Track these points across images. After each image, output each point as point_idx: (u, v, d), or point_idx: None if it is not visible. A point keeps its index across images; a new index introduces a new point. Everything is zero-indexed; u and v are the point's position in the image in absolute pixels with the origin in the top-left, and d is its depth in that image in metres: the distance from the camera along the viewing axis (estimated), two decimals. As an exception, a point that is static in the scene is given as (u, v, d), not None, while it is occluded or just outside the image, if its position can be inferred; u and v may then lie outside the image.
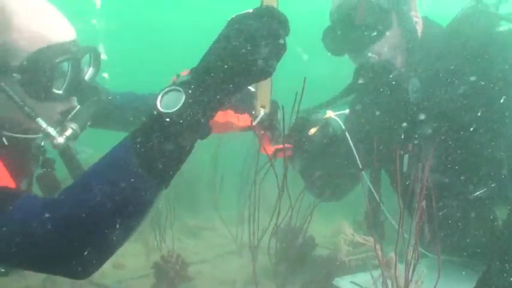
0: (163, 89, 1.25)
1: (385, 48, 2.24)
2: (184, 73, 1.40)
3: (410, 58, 2.27)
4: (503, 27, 2.31)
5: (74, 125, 1.73)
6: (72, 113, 1.76)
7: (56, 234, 1.21)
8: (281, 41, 1.29)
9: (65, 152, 1.76)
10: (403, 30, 2.25)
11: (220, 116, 1.59)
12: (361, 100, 2.47)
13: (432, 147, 2.01)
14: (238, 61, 1.23)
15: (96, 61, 1.90)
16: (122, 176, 1.22)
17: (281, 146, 1.83)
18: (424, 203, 1.70)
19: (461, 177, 2.23)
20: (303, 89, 1.62)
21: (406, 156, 2.28)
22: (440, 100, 2.21)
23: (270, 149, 1.70)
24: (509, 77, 2.12)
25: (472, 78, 2.15)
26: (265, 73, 1.28)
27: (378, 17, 2.21)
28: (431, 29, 2.35)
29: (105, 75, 2.18)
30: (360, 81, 2.23)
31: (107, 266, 3.26)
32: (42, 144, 1.89)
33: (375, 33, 2.21)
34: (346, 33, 2.25)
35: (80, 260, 1.24)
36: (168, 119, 1.20)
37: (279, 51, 1.30)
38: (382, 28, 2.22)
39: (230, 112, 1.55)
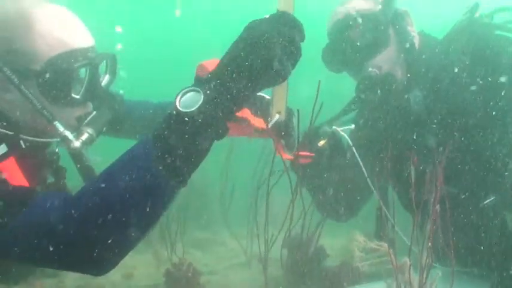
0: (182, 90, 1.28)
1: (385, 61, 2.26)
2: (208, 62, 1.43)
3: (410, 70, 2.29)
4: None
5: (90, 130, 1.75)
6: (88, 118, 1.79)
7: (75, 228, 1.24)
8: (296, 46, 1.32)
9: (80, 156, 1.78)
10: (401, 43, 2.28)
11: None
12: (364, 114, 2.49)
13: (443, 154, 2.02)
14: (255, 62, 1.26)
15: (113, 68, 1.93)
16: (142, 173, 1.24)
17: (301, 153, 1.84)
18: (438, 206, 1.71)
19: (469, 187, 2.23)
20: (317, 93, 1.64)
21: (412, 168, 2.29)
22: (444, 109, 2.23)
23: (286, 155, 1.71)
24: None
25: (473, 87, 2.17)
26: (281, 75, 1.31)
27: (376, 31, 2.24)
28: (428, 42, 2.38)
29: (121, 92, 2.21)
30: (363, 95, 2.25)
31: (117, 276, 3.29)
32: (57, 150, 1.92)
33: (374, 48, 2.24)
34: (344, 50, 2.28)
35: (98, 255, 1.25)
36: (186, 118, 1.23)
37: (294, 55, 1.32)
38: (381, 42, 2.25)
39: (247, 110, 1.57)
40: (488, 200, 2.18)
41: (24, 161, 1.57)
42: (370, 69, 2.24)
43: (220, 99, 1.26)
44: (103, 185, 1.27)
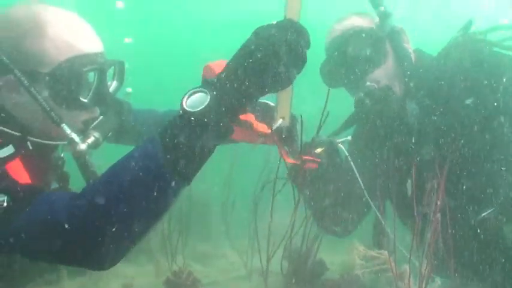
0: (189, 90, 1.31)
1: (383, 76, 2.28)
2: (215, 63, 1.46)
3: (407, 84, 2.32)
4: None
5: (96, 134, 1.77)
6: (95, 123, 1.81)
7: (80, 220, 1.26)
8: (302, 51, 1.35)
9: (84, 161, 1.80)
10: (398, 58, 2.31)
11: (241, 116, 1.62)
12: (363, 127, 2.51)
13: (444, 166, 2.04)
14: (261, 65, 1.29)
15: (121, 75, 1.96)
16: (147, 168, 1.27)
17: (306, 157, 1.86)
18: (439, 215, 1.72)
19: (467, 199, 2.24)
20: (325, 102, 1.67)
21: (409, 181, 2.30)
22: (443, 119, 2.25)
23: (290, 160, 1.73)
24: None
25: (468, 101, 2.20)
26: (286, 79, 1.34)
27: (373, 47, 2.28)
28: (424, 57, 2.41)
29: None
30: (362, 108, 2.27)
31: (116, 286, 3.28)
32: (62, 155, 1.94)
33: (372, 63, 2.27)
34: (342, 66, 2.31)
35: (102, 248, 1.27)
36: (193, 118, 1.26)
37: (299, 61, 1.36)
38: (378, 57, 2.28)
39: (251, 115, 1.60)
40: (486, 212, 2.19)
41: (31, 163, 1.59)
42: (368, 83, 2.27)
43: (226, 100, 1.29)
44: (108, 180, 1.30)
